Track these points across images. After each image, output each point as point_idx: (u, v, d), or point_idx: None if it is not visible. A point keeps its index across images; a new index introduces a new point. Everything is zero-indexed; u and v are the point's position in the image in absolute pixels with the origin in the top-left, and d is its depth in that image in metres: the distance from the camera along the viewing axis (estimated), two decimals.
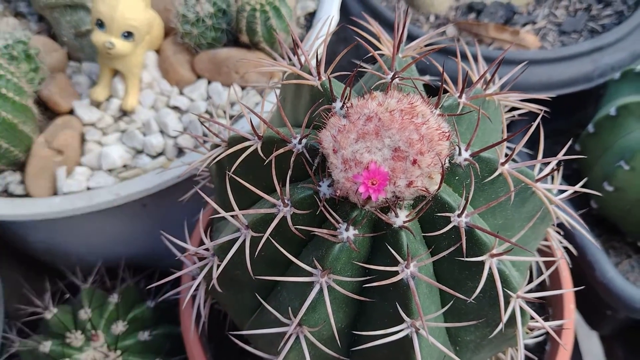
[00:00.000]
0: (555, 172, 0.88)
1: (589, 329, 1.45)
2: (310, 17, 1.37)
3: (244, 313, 0.85)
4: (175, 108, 1.24)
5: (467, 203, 0.66)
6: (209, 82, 1.26)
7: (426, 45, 0.89)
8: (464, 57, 0.94)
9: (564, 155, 0.81)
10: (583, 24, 1.55)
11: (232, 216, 0.72)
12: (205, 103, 1.23)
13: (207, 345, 1.03)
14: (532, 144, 0.91)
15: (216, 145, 0.83)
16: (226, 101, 1.15)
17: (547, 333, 1.02)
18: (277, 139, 0.71)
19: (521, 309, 0.74)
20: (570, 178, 1.37)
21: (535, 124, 0.79)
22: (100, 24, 1.10)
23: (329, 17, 1.30)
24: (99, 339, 1.10)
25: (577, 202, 1.33)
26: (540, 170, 0.84)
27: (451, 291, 0.67)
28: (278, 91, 0.91)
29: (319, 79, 0.75)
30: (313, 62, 0.76)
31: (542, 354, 1.05)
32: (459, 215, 0.67)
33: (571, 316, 1.05)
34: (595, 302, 1.26)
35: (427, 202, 0.66)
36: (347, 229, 0.66)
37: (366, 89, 0.70)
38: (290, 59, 0.85)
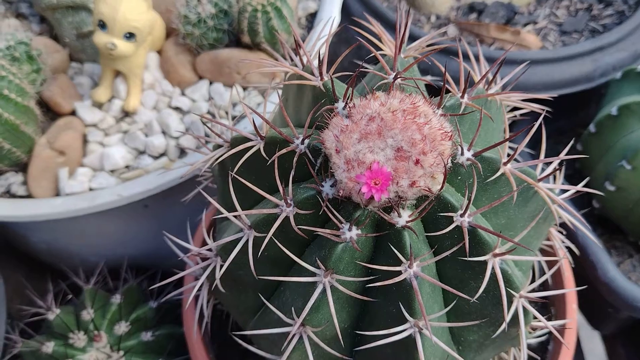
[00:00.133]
0: (558, 172, 0.88)
1: (591, 329, 1.45)
2: (312, 17, 1.37)
3: (247, 313, 0.85)
4: (177, 109, 1.24)
5: (470, 203, 0.66)
6: (211, 83, 1.27)
7: (428, 46, 0.89)
8: (466, 57, 0.94)
9: (566, 155, 0.81)
10: (584, 24, 1.55)
11: (235, 216, 0.72)
12: (206, 104, 1.23)
13: (210, 346, 1.03)
14: (534, 143, 0.91)
15: (218, 146, 0.83)
16: (228, 102, 1.15)
17: (549, 333, 1.02)
18: (280, 139, 0.71)
19: (524, 308, 0.74)
20: (572, 178, 1.37)
21: (537, 124, 0.79)
22: (102, 25, 1.10)
23: (331, 17, 1.30)
24: (102, 340, 1.10)
25: (579, 201, 1.33)
26: (543, 170, 0.84)
27: (454, 291, 0.67)
28: (280, 92, 0.91)
29: (321, 79, 0.75)
30: (315, 63, 0.76)
31: (545, 353, 1.05)
32: (462, 215, 0.67)
33: (574, 316, 1.05)
34: (598, 302, 1.26)
35: (429, 202, 0.66)
36: (350, 229, 0.66)
37: (368, 89, 0.70)
38: (292, 60, 0.86)
